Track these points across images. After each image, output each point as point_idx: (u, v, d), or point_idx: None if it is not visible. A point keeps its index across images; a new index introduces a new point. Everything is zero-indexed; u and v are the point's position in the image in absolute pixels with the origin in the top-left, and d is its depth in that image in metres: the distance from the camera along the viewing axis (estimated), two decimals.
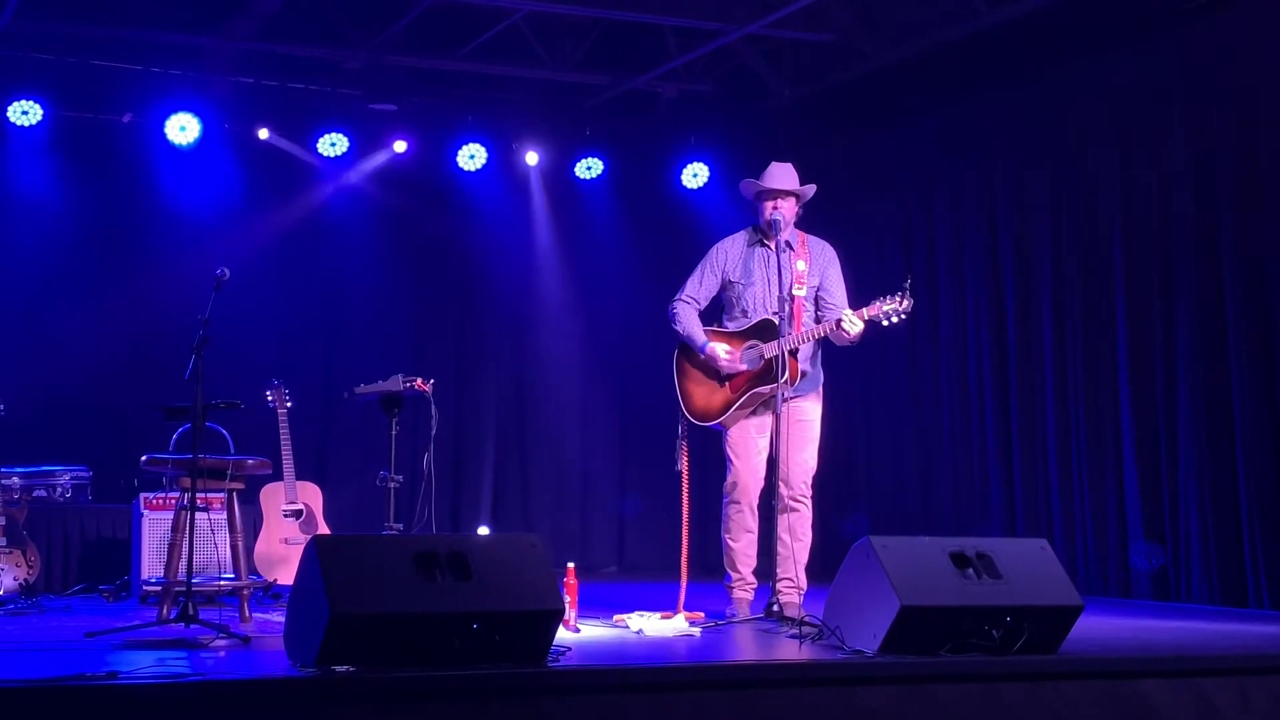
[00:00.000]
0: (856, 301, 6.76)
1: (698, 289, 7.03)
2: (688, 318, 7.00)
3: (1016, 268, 9.27)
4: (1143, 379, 8.43)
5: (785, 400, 6.58)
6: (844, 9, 9.30)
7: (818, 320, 6.82)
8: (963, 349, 9.68)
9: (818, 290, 6.88)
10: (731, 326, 6.97)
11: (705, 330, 6.96)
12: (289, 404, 8.20)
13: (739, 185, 7.04)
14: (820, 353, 6.95)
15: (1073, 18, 8.47)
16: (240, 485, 6.93)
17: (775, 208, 6.84)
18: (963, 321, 9.69)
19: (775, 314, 6.67)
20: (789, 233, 6.81)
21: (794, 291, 6.71)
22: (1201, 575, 8.03)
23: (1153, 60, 8.48)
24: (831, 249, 6.99)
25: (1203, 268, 8.14)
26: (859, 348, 6.96)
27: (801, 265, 6.81)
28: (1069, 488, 8.85)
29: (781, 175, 6.90)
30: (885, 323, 6.55)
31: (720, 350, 6.83)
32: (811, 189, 6.92)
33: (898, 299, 6.48)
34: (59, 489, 8.72)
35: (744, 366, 6.80)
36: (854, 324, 6.56)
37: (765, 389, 6.72)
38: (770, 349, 6.69)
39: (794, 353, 6.64)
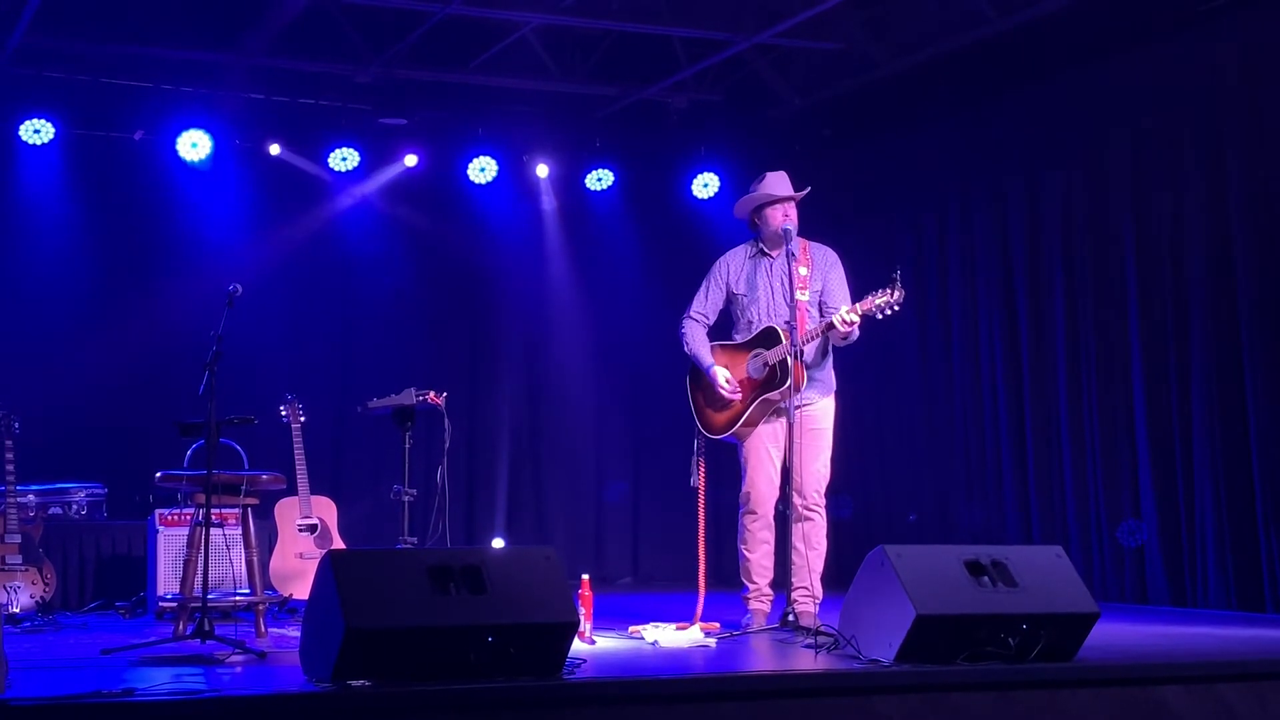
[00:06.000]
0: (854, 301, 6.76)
1: (704, 304, 7.06)
2: (695, 337, 7.02)
3: (1028, 273, 9.26)
4: (1157, 384, 8.41)
5: (797, 409, 6.57)
6: (852, 18, 9.30)
7: None
8: (976, 356, 9.67)
9: (820, 295, 6.89)
10: (739, 338, 6.98)
11: (713, 346, 6.98)
12: (303, 419, 8.21)
13: (736, 205, 7.05)
14: (831, 357, 6.95)
15: (1082, 23, 8.46)
16: (255, 500, 6.94)
17: (785, 215, 6.85)
18: (975, 329, 9.68)
19: (787, 322, 6.69)
20: (792, 239, 6.82)
21: (797, 297, 6.71)
22: (1218, 580, 8.00)
23: (1163, 64, 8.47)
24: (834, 253, 6.99)
25: (1216, 272, 8.13)
26: (873, 358, 6.95)
27: (804, 271, 6.82)
28: (1084, 494, 8.83)
29: (782, 182, 6.93)
30: (879, 316, 6.55)
31: (721, 377, 6.85)
32: (807, 190, 6.93)
33: (889, 291, 6.48)
34: (74, 506, 8.73)
35: (741, 396, 6.81)
36: (848, 320, 6.55)
37: (773, 395, 6.72)
38: (774, 355, 6.70)
39: (800, 357, 6.64)
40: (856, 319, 6.57)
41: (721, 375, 6.86)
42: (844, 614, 5.63)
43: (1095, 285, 8.83)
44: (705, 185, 11.03)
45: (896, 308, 6.51)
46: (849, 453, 7.69)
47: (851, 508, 9.81)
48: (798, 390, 6.61)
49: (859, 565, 5.62)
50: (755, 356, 6.83)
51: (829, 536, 6.88)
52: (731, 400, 6.84)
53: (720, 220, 10.73)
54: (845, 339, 6.71)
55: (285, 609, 7.72)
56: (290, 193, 10.56)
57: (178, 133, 9.89)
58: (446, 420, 7.46)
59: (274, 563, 8.09)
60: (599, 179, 11.09)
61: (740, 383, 6.86)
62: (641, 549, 11.39)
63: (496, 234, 11.17)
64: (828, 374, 6.93)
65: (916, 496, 10.15)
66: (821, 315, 6.85)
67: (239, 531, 6.95)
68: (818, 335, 6.73)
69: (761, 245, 6.99)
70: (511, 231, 11.22)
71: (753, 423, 6.85)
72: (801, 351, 6.66)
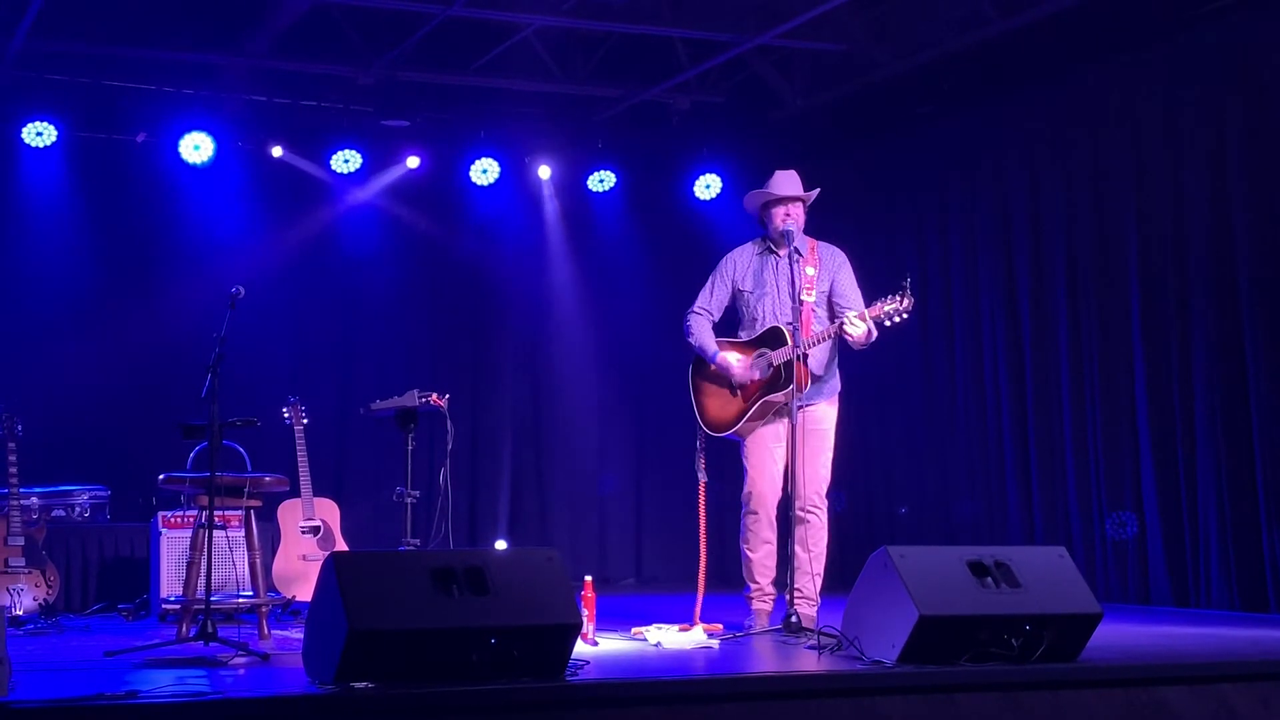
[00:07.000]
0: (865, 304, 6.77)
1: (709, 300, 7.05)
2: (700, 329, 7.01)
3: (1031, 274, 9.27)
4: (1160, 384, 8.41)
5: (799, 408, 6.57)
6: (855, 19, 9.30)
7: None
8: (978, 356, 9.67)
9: (830, 295, 6.88)
10: (744, 336, 6.98)
11: (717, 341, 6.98)
12: (305, 421, 8.21)
13: (744, 199, 7.05)
14: (837, 359, 6.94)
15: (1084, 24, 8.46)
16: (258, 502, 6.94)
17: (787, 214, 6.85)
18: (978, 329, 9.69)
19: (788, 323, 6.68)
20: (798, 239, 6.82)
21: (803, 297, 6.71)
22: (1221, 581, 8.00)
23: (1165, 64, 8.48)
24: (842, 254, 6.99)
25: (1218, 272, 8.13)
26: (876, 355, 6.95)
27: (811, 271, 6.82)
28: (1087, 494, 8.83)
29: (789, 182, 6.92)
30: (888, 323, 6.54)
31: (731, 359, 6.84)
32: (816, 192, 6.93)
33: (898, 299, 6.48)
34: (77, 509, 8.73)
35: (756, 375, 6.81)
36: (856, 325, 6.55)
37: (776, 396, 6.72)
38: (779, 356, 6.70)
39: (804, 358, 6.64)
40: (864, 325, 6.56)
41: (732, 357, 6.85)
42: (847, 615, 5.63)
43: (1097, 284, 8.83)
44: (707, 186, 11.03)
45: (905, 315, 6.50)
46: (851, 450, 7.70)
47: (844, 501, 9.82)
48: (801, 391, 6.60)
49: (861, 563, 5.62)
50: (759, 356, 6.83)
51: (831, 536, 6.88)
52: (742, 383, 6.83)
53: (722, 221, 10.75)
54: (863, 345, 6.68)
55: (288, 611, 7.72)
56: (292, 195, 10.57)
57: (180, 135, 9.89)
58: (449, 422, 7.46)
59: (277, 565, 8.09)
60: (601, 180, 11.09)
61: (743, 383, 6.86)
62: (644, 550, 11.40)
63: (498, 236, 11.18)
64: (834, 376, 6.93)
65: (918, 494, 10.16)
66: (831, 316, 6.85)
67: (242, 533, 6.96)
68: (827, 337, 6.72)
69: (769, 243, 6.99)
70: (513, 233, 11.22)
71: (755, 421, 6.84)
72: (807, 354, 6.66)
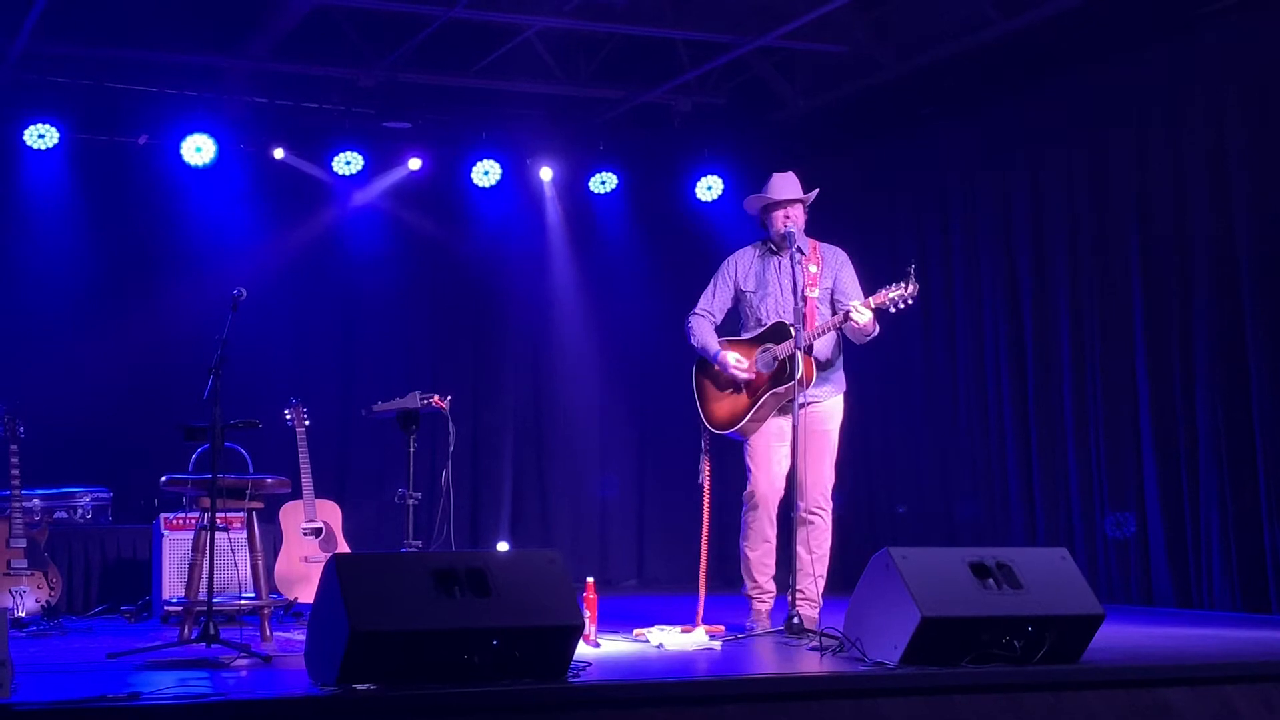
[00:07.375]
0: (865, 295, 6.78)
1: (711, 301, 7.07)
2: (701, 330, 7.03)
3: (1033, 273, 9.27)
4: (1161, 383, 8.41)
5: (803, 406, 6.57)
6: (856, 20, 9.30)
7: None
8: (980, 356, 9.67)
9: (833, 293, 6.90)
10: (746, 335, 6.98)
11: (720, 341, 6.98)
12: (307, 422, 8.22)
13: (744, 202, 7.07)
14: (842, 356, 6.95)
15: (1086, 25, 8.46)
16: (259, 504, 6.94)
17: (787, 218, 6.87)
18: (979, 329, 9.68)
19: (792, 324, 6.69)
20: (799, 239, 6.83)
21: (807, 294, 6.73)
22: (1223, 582, 8.00)
23: (1167, 63, 8.48)
24: (843, 253, 7.01)
25: (1220, 272, 8.13)
26: (877, 355, 6.96)
27: (813, 268, 6.84)
28: (1089, 495, 8.83)
29: (786, 185, 6.93)
30: (893, 309, 6.57)
31: (731, 358, 6.85)
32: (815, 193, 6.94)
33: (903, 285, 6.51)
34: (79, 510, 8.74)
35: (754, 375, 6.81)
36: (862, 313, 6.56)
37: (783, 389, 6.72)
38: (783, 350, 6.71)
39: (809, 351, 6.65)
40: (870, 314, 6.58)
41: (732, 356, 6.86)
42: (849, 616, 5.63)
43: (1099, 284, 8.84)
44: (709, 188, 11.02)
45: (910, 301, 6.53)
46: (853, 450, 7.71)
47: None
48: (808, 386, 6.61)
49: (862, 564, 5.62)
50: (765, 351, 6.84)
51: (832, 537, 6.89)
52: (746, 380, 6.83)
53: (724, 223, 10.75)
54: (867, 335, 6.72)
55: (290, 613, 7.73)
56: (294, 196, 10.57)
57: (182, 137, 9.88)
58: (451, 424, 7.47)
59: (279, 566, 8.09)
60: (603, 182, 11.08)
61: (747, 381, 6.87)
62: (646, 551, 11.39)
63: (500, 237, 11.17)
64: (839, 373, 6.94)
65: (920, 494, 10.15)
66: (834, 312, 6.86)
67: (244, 535, 6.96)
68: (831, 328, 6.74)
69: (771, 244, 7.00)
70: (515, 235, 11.22)
71: (761, 418, 6.85)
72: (813, 346, 6.68)
